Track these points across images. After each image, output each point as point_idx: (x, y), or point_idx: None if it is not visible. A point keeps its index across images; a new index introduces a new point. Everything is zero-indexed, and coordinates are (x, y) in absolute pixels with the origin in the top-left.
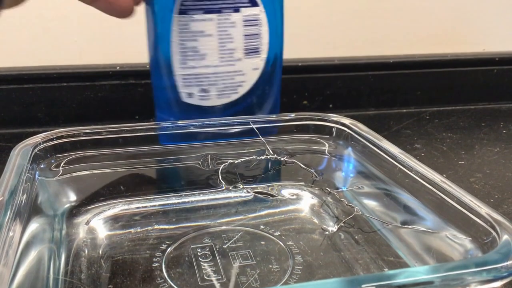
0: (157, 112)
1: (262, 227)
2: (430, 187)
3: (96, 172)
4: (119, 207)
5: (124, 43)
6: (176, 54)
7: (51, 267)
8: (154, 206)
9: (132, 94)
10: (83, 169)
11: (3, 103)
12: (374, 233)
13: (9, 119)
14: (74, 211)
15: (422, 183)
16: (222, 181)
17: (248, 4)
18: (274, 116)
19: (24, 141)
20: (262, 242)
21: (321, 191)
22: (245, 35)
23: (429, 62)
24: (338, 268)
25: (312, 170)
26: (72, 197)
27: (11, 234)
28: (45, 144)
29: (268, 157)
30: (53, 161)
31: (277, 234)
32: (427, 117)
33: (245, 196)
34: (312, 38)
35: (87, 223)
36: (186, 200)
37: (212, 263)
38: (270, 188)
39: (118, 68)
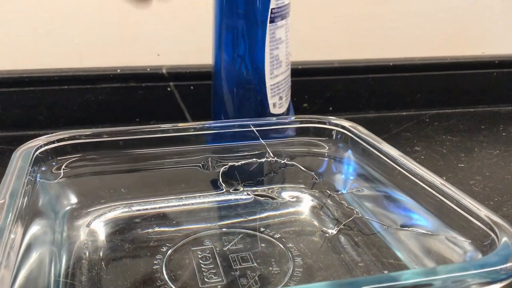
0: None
1: (262, 229)
2: (429, 189)
3: (97, 174)
4: (119, 210)
5: (124, 46)
6: (268, 65)
7: (52, 269)
8: (155, 208)
9: (133, 96)
10: (84, 171)
11: (4, 106)
12: (374, 235)
13: (10, 122)
14: (75, 214)
15: (422, 186)
16: (222, 183)
17: None
18: (274, 118)
19: (25, 143)
20: (263, 245)
21: (321, 193)
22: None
23: (429, 65)
24: (338, 270)
25: (312, 173)
26: (73, 199)
27: (12, 236)
28: (46, 147)
29: (269, 159)
30: (54, 163)
31: (277, 236)
32: (427, 119)
33: (245, 199)
34: (312, 41)
35: (88, 225)
36: (187, 202)
37: (213, 266)
38: (270, 190)
39: (118, 71)
